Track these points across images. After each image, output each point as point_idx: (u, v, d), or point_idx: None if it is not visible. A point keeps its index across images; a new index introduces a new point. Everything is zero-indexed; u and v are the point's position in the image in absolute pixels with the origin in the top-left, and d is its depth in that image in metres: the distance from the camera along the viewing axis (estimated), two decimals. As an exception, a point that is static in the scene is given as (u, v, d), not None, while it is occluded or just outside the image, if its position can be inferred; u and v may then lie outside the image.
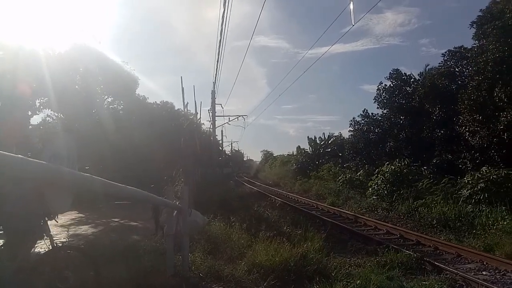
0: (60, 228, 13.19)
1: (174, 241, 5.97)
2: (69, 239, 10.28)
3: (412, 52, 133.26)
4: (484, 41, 18.98)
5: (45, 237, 4.62)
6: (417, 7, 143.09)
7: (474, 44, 20.79)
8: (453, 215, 11.97)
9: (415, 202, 14.64)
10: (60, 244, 5.13)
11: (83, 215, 15.20)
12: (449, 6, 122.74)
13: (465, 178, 13.91)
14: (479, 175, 13.02)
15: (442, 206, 12.96)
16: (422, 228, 12.17)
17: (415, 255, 7.46)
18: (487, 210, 11.28)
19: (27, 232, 4.43)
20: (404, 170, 17.63)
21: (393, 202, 16.10)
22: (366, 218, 13.72)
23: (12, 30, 22.01)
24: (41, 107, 24.90)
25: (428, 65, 27.84)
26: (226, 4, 10.51)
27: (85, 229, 12.71)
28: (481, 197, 12.23)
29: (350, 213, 15.30)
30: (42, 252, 4.70)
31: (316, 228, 9.20)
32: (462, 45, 23.44)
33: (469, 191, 12.81)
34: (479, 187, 12.56)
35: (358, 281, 4.96)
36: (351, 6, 10.86)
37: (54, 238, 10.14)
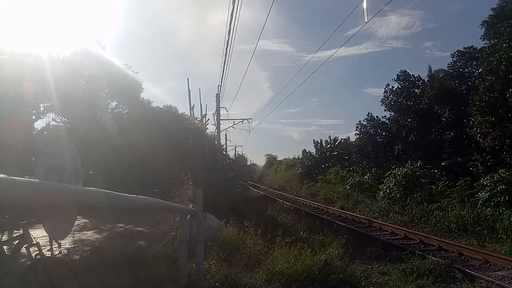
0: (65, 234, 12.94)
1: (188, 248, 5.57)
2: (74, 244, 10.04)
3: (416, 55, 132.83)
4: (496, 40, 18.58)
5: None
6: (421, 10, 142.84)
7: (485, 44, 20.40)
8: (471, 219, 11.53)
9: (429, 206, 14.19)
10: (48, 255, 4.74)
11: (87, 221, 15.00)
12: (453, 8, 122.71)
13: (482, 180, 13.43)
14: (498, 177, 12.56)
15: (459, 210, 12.51)
16: (440, 232, 11.72)
17: (443, 261, 7.01)
18: (509, 213, 10.80)
19: None
20: (417, 173, 17.17)
21: (406, 205, 15.64)
22: (380, 222, 13.30)
23: (17, 34, 21.87)
24: (45, 111, 24.71)
25: (431, 66, 27.45)
26: (236, 1, 10.14)
27: (90, 235, 12.50)
28: (501, 200, 11.75)
29: (363, 217, 14.88)
30: (27, 263, 4.31)
31: (332, 233, 8.74)
32: (472, 45, 22.95)
33: (488, 193, 12.33)
34: (498, 189, 12.09)
35: (390, 292, 4.52)
36: (365, 3, 10.47)
37: (59, 243, 9.78)
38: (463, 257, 8.45)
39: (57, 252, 8.91)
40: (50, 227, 1.79)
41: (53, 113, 24.99)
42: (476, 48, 22.92)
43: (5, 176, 1.16)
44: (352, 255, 7.30)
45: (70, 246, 9.61)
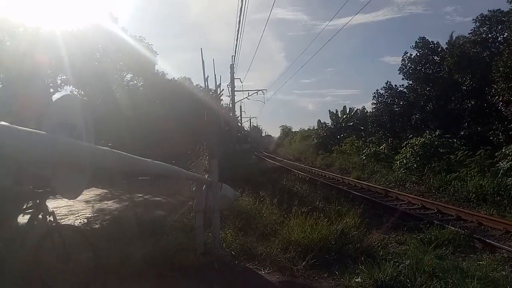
0: (85, 204, 13.36)
1: (204, 217, 5.60)
2: (94, 214, 10.33)
3: (436, 21, 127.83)
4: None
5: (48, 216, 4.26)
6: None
7: (512, 6, 19.36)
8: (491, 189, 11.30)
9: (448, 176, 13.96)
10: (62, 223, 4.81)
11: (107, 191, 15.37)
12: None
13: (504, 150, 13.09)
14: (520, 145, 12.21)
15: (479, 179, 12.26)
16: (458, 202, 11.55)
17: (462, 231, 6.89)
18: (531, 183, 10.56)
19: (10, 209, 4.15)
20: (435, 142, 16.83)
21: (423, 175, 15.44)
22: (397, 192, 13.16)
23: (29, 8, 21.71)
24: (63, 84, 24.84)
25: (453, 32, 26.27)
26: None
27: (110, 205, 12.82)
28: (524, 169, 11.48)
29: (379, 187, 14.75)
30: (41, 231, 4.36)
31: (348, 202, 8.68)
32: (499, 9, 21.78)
33: (510, 163, 12.03)
34: (521, 159, 11.79)
35: (408, 261, 4.45)
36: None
37: (80, 214, 10.03)
38: (482, 227, 8.30)
39: (77, 221, 9.19)
40: (61, 185, 1.68)
41: (71, 86, 25.16)
42: (503, 11, 21.80)
43: (8, 124, 1.07)
44: (369, 225, 7.23)
45: (90, 215, 9.87)
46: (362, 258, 4.65)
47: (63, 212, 11.50)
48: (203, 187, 5.63)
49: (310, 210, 6.68)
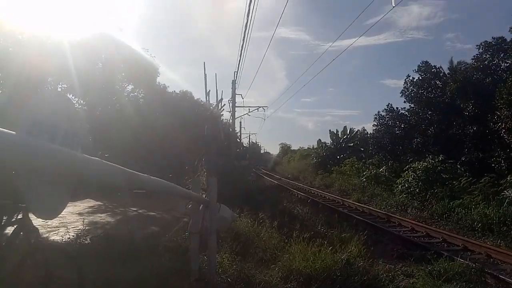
0: (78, 216, 12.95)
1: (199, 239, 5.22)
2: (87, 227, 9.97)
3: (437, 47, 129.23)
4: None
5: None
6: (444, 0, 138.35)
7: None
8: (497, 218, 10.95)
9: (451, 202, 13.61)
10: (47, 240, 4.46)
11: (101, 203, 15.04)
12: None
13: (509, 178, 12.78)
14: (527, 175, 11.91)
15: (483, 208, 11.92)
16: (462, 231, 11.18)
17: (473, 265, 6.51)
18: (539, 215, 10.21)
19: None
20: (438, 168, 16.52)
21: (426, 201, 15.08)
22: (399, 217, 12.79)
23: (33, 17, 21.67)
24: (63, 92, 24.65)
25: (452, 57, 26.53)
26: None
27: (103, 217, 12.50)
28: (530, 200, 11.15)
29: (380, 211, 14.38)
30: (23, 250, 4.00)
31: (351, 228, 8.32)
32: (502, 36, 21.90)
33: (516, 192, 11.71)
34: (527, 188, 11.47)
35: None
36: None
37: (72, 226, 9.61)
38: (492, 259, 7.93)
39: (68, 235, 8.78)
40: (34, 201, 1.32)
41: (71, 95, 24.98)
42: (506, 39, 21.89)
43: None
44: (373, 253, 6.86)
45: (82, 228, 9.46)
46: (369, 293, 4.29)
47: (54, 224, 11.10)
48: (200, 207, 5.27)
49: (312, 235, 6.32)
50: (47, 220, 11.76)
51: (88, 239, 7.94)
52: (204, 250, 5.40)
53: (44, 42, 20.23)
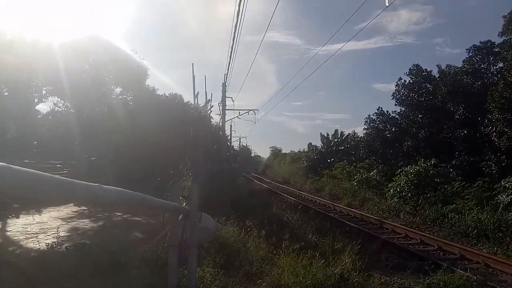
0: (61, 221, 12.44)
1: (179, 253, 4.74)
2: (68, 233, 9.57)
3: (426, 51, 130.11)
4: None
5: None
6: (433, 5, 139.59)
7: (508, 38, 19.34)
8: (491, 224, 10.65)
9: (444, 207, 13.32)
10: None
11: (85, 208, 14.62)
12: (466, 5, 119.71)
13: (503, 182, 12.52)
14: (521, 179, 11.66)
15: (477, 213, 11.63)
16: (457, 237, 10.90)
17: (474, 277, 6.12)
18: (534, 220, 9.93)
19: None
20: (431, 172, 16.24)
21: (418, 205, 14.78)
22: (392, 223, 12.46)
23: (19, 19, 21.00)
24: (47, 95, 24.01)
25: (439, 64, 26.63)
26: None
27: (85, 223, 12.10)
28: (525, 205, 10.88)
29: (372, 216, 14.05)
30: None
31: (343, 235, 7.90)
32: (490, 40, 21.88)
33: (510, 196, 11.43)
34: (522, 193, 11.21)
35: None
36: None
37: (52, 232, 9.13)
38: (490, 269, 7.61)
39: (45, 241, 8.28)
40: None
41: (56, 97, 24.36)
42: (494, 43, 21.86)
43: None
44: (367, 264, 6.45)
45: (60, 235, 8.98)
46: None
47: (34, 230, 10.61)
48: (179, 217, 4.79)
49: (303, 246, 5.88)
50: (27, 226, 11.26)
51: (64, 248, 7.48)
52: (184, 264, 4.93)
53: (30, 43, 19.61)
